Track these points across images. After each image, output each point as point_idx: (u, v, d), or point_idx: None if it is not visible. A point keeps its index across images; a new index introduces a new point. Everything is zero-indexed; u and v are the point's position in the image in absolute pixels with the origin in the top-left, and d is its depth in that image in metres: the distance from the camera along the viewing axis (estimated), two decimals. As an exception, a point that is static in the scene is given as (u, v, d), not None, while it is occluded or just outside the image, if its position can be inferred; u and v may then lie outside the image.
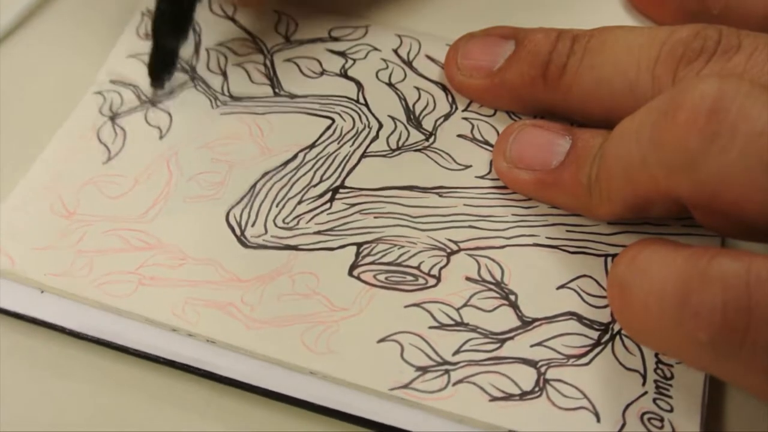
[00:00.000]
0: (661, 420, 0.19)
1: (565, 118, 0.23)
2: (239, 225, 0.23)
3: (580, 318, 0.21)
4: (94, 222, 0.23)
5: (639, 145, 0.19)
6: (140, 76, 0.26)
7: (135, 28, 0.27)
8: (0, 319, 0.22)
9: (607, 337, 0.21)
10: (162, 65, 0.25)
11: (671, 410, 0.19)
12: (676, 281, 0.17)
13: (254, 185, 0.23)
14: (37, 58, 0.27)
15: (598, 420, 0.19)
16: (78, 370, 0.21)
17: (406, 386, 0.20)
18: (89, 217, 0.23)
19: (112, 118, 0.25)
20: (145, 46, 0.26)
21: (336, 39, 0.27)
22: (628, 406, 0.19)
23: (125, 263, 0.22)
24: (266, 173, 0.24)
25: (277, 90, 0.25)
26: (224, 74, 0.26)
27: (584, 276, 0.22)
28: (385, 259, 0.22)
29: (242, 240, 0.22)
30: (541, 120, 0.23)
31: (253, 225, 0.23)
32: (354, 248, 0.22)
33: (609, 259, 0.22)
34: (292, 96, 0.25)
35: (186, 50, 0.26)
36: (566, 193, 0.22)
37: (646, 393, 0.20)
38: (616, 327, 0.21)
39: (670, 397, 0.19)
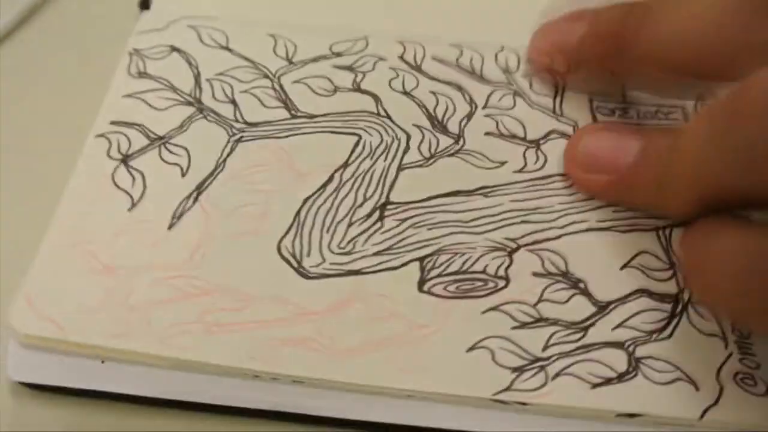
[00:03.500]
0: (753, 378, 0.20)
1: (648, 86, 0.24)
2: (294, 257, 0.22)
3: (650, 293, 0.21)
4: (137, 274, 0.21)
5: (709, 142, 0.19)
6: (142, 114, 0.24)
7: (126, 68, 0.25)
8: (58, 399, 0.20)
9: (679, 307, 0.21)
10: None
11: (758, 367, 0.20)
12: (745, 255, 0.18)
13: (298, 213, 0.22)
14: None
15: (697, 389, 0.20)
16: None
17: (508, 389, 0.20)
18: (130, 270, 0.21)
19: (124, 160, 0.23)
20: (140, 85, 0.25)
21: (339, 54, 0.26)
22: (719, 370, 0.20)
23: (185, 313, 0.20)
24: (307, 199, 0.23)
25: (293, 112, 0.25)
26: (233, 102, 0.25)
27: (642, 252, 0.22)
28: (450, 269, 0.22)
29: (301, 272, 0.21)
30: (609, 122, 0.24)
31: (308, 255, 0.22)
32: (417, 264, 0.22)
33: (660, 232, 0.23)
34: (311, 116, 0.24)
35: (186, 83, 0.25)
36: (639, 194, 0.22)
37: (731, 355, 0.20)
38: (686, 296, 0.22)
39: (753, 354, 0.20)
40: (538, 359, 0.20)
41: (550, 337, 0.21)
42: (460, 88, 0.25)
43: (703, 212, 0.21)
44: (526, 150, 0.24)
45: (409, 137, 0.24)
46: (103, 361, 0.20)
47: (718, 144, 0.18)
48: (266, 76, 0.25)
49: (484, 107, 0.25)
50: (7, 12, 0.27)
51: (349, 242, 0.22)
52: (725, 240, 0.19)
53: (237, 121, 0.24)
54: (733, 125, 0.18)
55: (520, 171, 0.24)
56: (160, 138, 0.24)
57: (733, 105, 0.18)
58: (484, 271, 0.22)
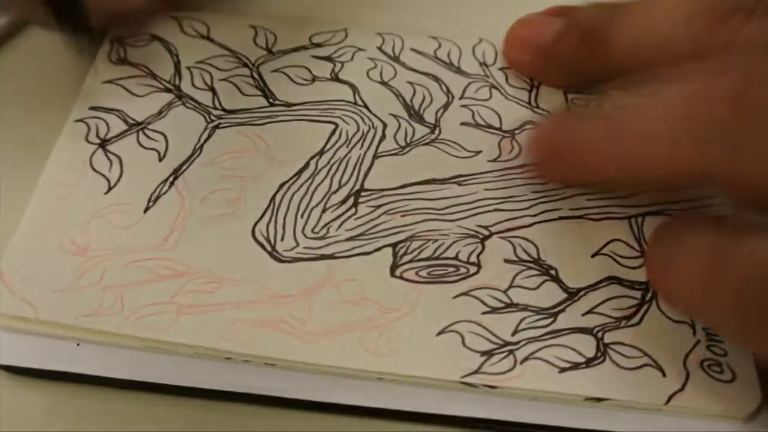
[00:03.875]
0: (720, 365, 0.20)
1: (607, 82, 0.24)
2: (268, 241, 0.22)
3: (620, 281, 0.22)
4: (111, 256, 0.21)
5: (668, 123, 0.19)
6: (121, 100, 0.24)
7: (106, 54, 0.25)
8: (34, 382, 0.21)
9: (649, 294, 0.21)
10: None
11: (725, 354, 0.20)
12: (708, 254, 0.18)
13: (273, 198, 0.23)
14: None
15: (664, 375, 0.20)
16: (134, 421, 0.20)
17: (477, 372, 0.20)
18: (105, 251, 0.21)
19: (102, 145, 0.23)
20: (120, 71, 0.25)
21: (318, 45, 0.26)
22: (686, 356, 0.20)
23: (158, 294, 0.21)
24: (282, 184, 0.23)
25: (271, 100, 0.25)
26: (212, 89, 0.25)
27: (614, 240, 0.22)
28: (422, 255, 0.22)
29: (275, 255, 0.22)
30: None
31: (282, 239, 0.22)
32: (390, 249, 0.22)
33: (632, 220, 0.23)
34: (289, 105, 0.25)
35: (166, 70, 0.25)
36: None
37: (699, 342, 0.21)
38: (655, 284, 0.22)
39: (721, 341, 0.21)
40: (507, 343, 0.21)
41: (520, 322, 0.21)
42: (437, 79, 0.26)
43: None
44: (501, 140, 0.24)
45: (385, 126, 0.24)
46: (78, 344, 0.20)
47: (689, 121, 0.18)
48: (245, 65, 0.26)
49: (461, 98, 0.25)
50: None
51: (323, 227, 0.22)
52: (689, 240, 0.19)
53: (215, 108, 0.25)
54: (705, 105, 0.18)
55: (495, 160, 0.24)
56: (139, 123, 0.24)
57: (707, 86, 0.18)
58: (456, 257, 0.22)
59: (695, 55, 0.20)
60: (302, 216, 0.22)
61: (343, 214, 0.23)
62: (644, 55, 0.22)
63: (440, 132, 0.24)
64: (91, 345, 0.20)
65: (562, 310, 0.21)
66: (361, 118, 0.25)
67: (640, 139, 0.19)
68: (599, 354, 0.20)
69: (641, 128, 0.19)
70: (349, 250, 0.22)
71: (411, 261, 0.22)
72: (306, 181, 0.23)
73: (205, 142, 0.24)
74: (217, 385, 0.20)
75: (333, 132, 0.24)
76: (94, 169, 0.23)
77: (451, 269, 0.22)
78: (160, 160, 0.23)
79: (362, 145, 0.24)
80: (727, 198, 0.21)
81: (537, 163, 0.23)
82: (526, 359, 0.20)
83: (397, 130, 0.24)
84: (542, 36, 0.25)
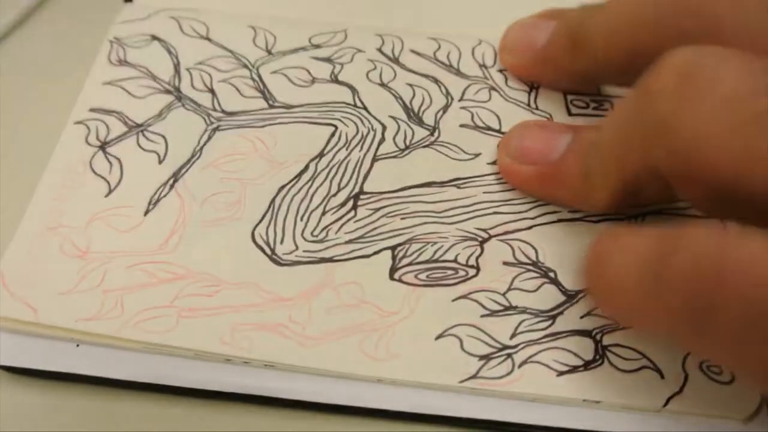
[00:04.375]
0: (719, 366, 0.20)
1: (602, 83, 0.24)
2: (268, 244, 0.22)
3: (619, 284, 0.22)
4: (111, 259, 0.21)
5: (624, 125, 0.19)
6: (121, 102, 0.24)
7: (106, 55, 0.25)
8: (34, 383, 0.21)
9: (648, 298, 0.22)
10: None
11: (723, 356, 0.21)
12: (650, 250, 0.17)
13: (273, 201, 0.23)
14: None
15: (662, 377, 0.20)
16: (135, 421, 0.20)
17: (474, 376, 0.20)
18: (105, 254, 0.21)
19: (102, 147, 0.24)
20: (119, 73, 0.25)
21: (318, 46, 0.26)
22: (685, 358, 0.20)
23: (158, 298, 0.21)
24: (282, 187, 0.23)
25: (271, 102, 0.25)
26: (212, 91, 0.25)
27: None
28: (421, 258, 0.22)
29: (275, 258, 0.22)
30: (544, 120, 0.24)
31: (282, 242, 0.22)
32: (389, 252, 0.22)
33: (632, 221, 0.23)
34: (289, 107, 0.25)
35: (166, 72, 0.25)
36: (565, 186, 0.22)
37: (697, 344, 0.21)
38: (653, 288, 0.22)
39: (718, 344, 0.21)
40: (505, 347, 0.21)
41: (519, 325, 0.21)
42: (436, 81, 0.26)
43: (626, 202, 0.21)
44: (500, 142, 0.24)
45: (384, 128, 0.24)
46: (78, 345, 0.20)
47: (634, 123, 0.19)
48: (245, 66, 0.26)
49: (460, 100, 0.25)
50: (8, 11, 0.28)
51: (322, 230, 0.22)
52: (627, 239, 0.18)
53: (215, 110, 0.25)
54: (645, 102, 0.18)
55: (494, 163, 0.24)
56: (138, 125, 0.24)
57: (645, 84, 0.18)
58: (455, 260, 0.22)
59: (666, 36, 0.20)
60: (302, 219, 0.22)
61: (343, 217, 0.23)
62: (622, 43, 0.22)
63: (439, 134, 0.24)
64: (91, 346, 0.20)
65: (561, 313, 0.21)
66: (361, 120, 0.25)
67: None
68: (598, 356, 0.21)
69: None
70: (348, 253, 0.22)
71: (410, 264, 0.22)
72: (305, 184, 0.23)
73: (204, 144, 0.24)
74: (216, 386, 0.20)
75: (332, 134, 0.24)
76: (94, 172, 0.23)
77: (450, 272, 0.22)
78: (160, 162, 0.23)
79: (361, 147, 0.24)
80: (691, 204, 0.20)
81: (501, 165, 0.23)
82: (524, 363, 0.20)
83: (397, 133, 0.24)
84: (535, 39, 0.25)
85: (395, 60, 0.26)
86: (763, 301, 0.15)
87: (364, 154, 0.24)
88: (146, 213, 0.22)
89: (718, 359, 0.17)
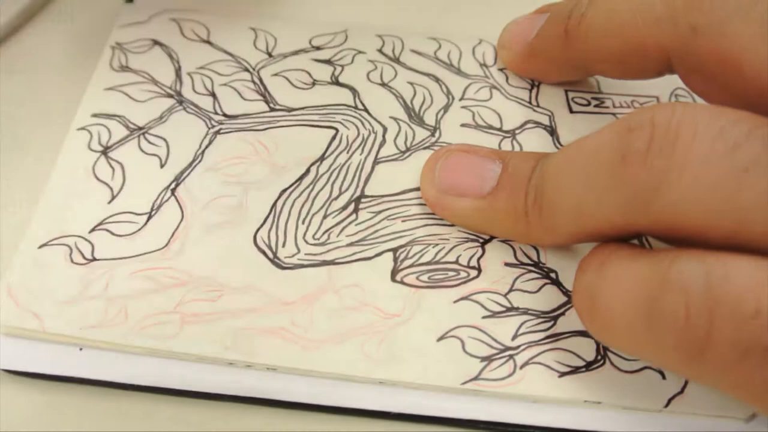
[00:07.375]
0: (719, 366, 0.20)
1: (592, 72, 0.25)
2: (270, 248, 0.22)
3: (620, 284, 0.22)
4: (115, 266, 0.22)
5: (592, 186, 0.18)
6: (123, 106, 0.24)
7: (108, 61, 0.26)
8: (38, 384, 0.21)
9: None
10: None
11: (724, 356, 0.21)
12: (640, 288, 0.17)
13: (274, 205, 0.23)
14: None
15: (664, 377, 0.20)
16: (135, 421, 0.20)
17: (476, 378, 0.20)
18: (109, 261, 0.22)
19: (104, 152, 0.24)
20: (121, 78, 0.25)
21: (318, 48, 0.26)
22: (686, 358, 0.21)
23: (162, 303, 0.21)
24: (284, 191, 0.23)
25: (272, 105, 0.25)
26: (213, 95, 0.25)
27: None
28: (423, 260, 0.22)
29: (277, 262, 0.22)
30: (467, 144, 0.23)
31: (284, 246, 0.22)
32: (390, 254, 0.22)
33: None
34: (290, 109, 0.25)
35: (167, 76, 0.25)
36: (502, 221, 0.21)
37: (698, 344, 0.21)
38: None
39: (720, 343, 0.21)
40: (507, 348, 0.21)
41: (520, 326, 0.21)
42: (437, 80, 0.26)
43: (576, 243, 0.21)
44: (501, 140, 0.25)
45: (385, 130, 0.25)
46: (81, 348, 0.21)
47: (604, 187, 0.18)
48: (246, 69, 0.26)
49: (461, 99, 0.25)
50: (8, 11, 0.28)
51: (324, 233, 0.22)
52: (619, 275, 0.18)
53: (216, 113, 0.25)
54: (619, 169, 0.18)
55: (493, 163, 0.24)
56: (140, 128, 0.24)
57: (618, 143, 0.18)
58: (456, 262, 0.22)
59: (659, 27, 0.20)
60: (303, 222, 0.23)
61: (344, 220, 0.23)
62: (616, 29, 0.22)
63: (440, 134, 0.25)
64: (94, 350, 0.21)
65: (562, 314, 0.21)
66: (362, 122, 0.25)
67: None
68: (599, 357, 0.21)
69: None
70: (349, 255, 0.22)
71: (412, 266, 0.22)
72: (307, 187, 0.23)
73: (206, 148, 0.24)
74: (219, 388, 0.20)
75: (333, 137, 0.24)
76: (97, 179, 0.23)
77: (451, 273, 0.22)
78: (162, 166, 0.23)
79: (362, 150, 0.24)
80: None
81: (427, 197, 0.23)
82: (525, 364, 0.20)
83: (398, 134, 0.24)
84: (529, 32, 0.25)
85: (396, 59, 0.26)
86: (754, 331, 0.16)
87: (365, 157, 0.24)
88: (148, 218, 0.22)
89: (713, 386, 0.18)
